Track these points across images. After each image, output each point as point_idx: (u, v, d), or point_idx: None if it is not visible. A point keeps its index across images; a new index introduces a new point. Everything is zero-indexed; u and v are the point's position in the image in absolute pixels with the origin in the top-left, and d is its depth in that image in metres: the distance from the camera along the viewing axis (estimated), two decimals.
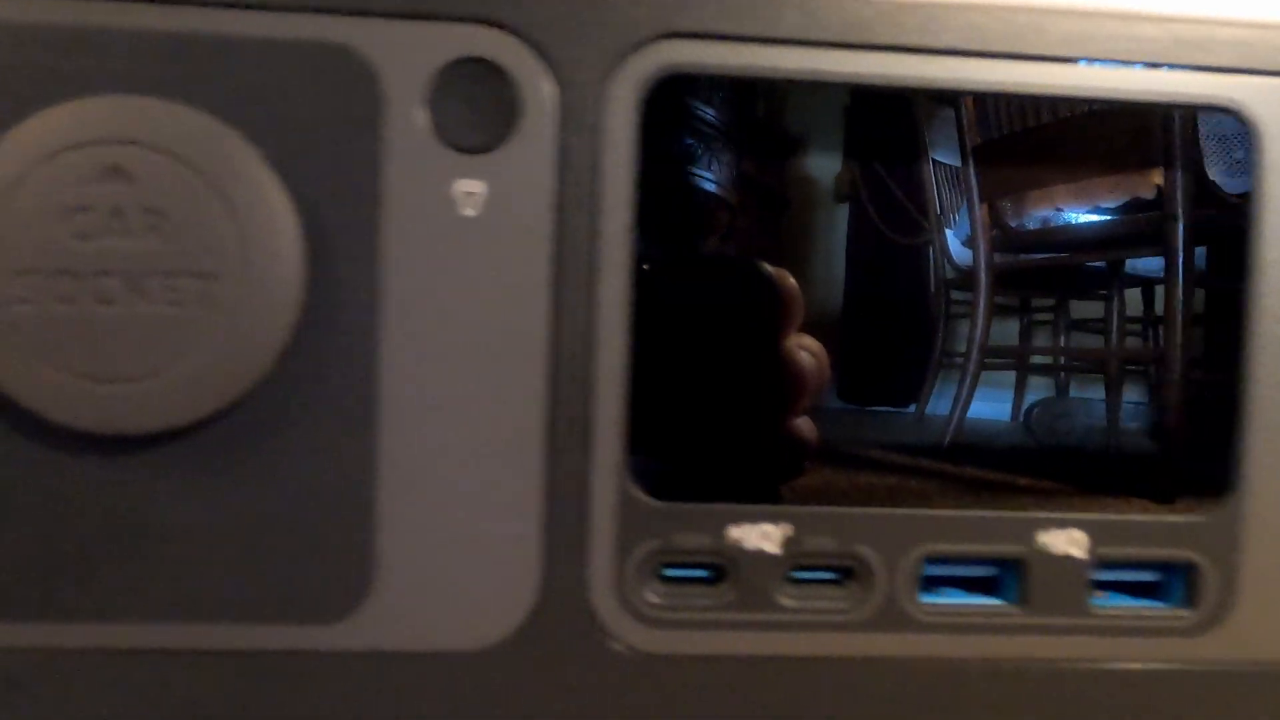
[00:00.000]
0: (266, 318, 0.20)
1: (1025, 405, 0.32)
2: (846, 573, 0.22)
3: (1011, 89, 0.22)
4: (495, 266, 0.21)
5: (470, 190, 0.21)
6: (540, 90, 0.21)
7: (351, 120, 0.21)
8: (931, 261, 0.33)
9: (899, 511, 0.22)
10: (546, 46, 0.21)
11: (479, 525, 0.21)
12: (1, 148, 0.19)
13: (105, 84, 0.20)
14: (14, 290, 0.19)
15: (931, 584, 0.23)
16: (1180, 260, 0.30)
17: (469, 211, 0.21)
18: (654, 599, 0.22)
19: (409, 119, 0.21)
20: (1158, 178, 0.29)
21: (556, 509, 0.21)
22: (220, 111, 0.20)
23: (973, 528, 0.22)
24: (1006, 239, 0.33)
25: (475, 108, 0.21)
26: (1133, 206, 0.31)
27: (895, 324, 0.32)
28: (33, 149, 0.19)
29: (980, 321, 0.32)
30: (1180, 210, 0.29)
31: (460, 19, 0.21)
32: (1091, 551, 0.23)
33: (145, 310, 0.20)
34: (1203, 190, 0.28)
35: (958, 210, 0.32)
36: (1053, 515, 0.23)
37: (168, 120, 0.20)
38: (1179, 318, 0.30)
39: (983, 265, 0.33)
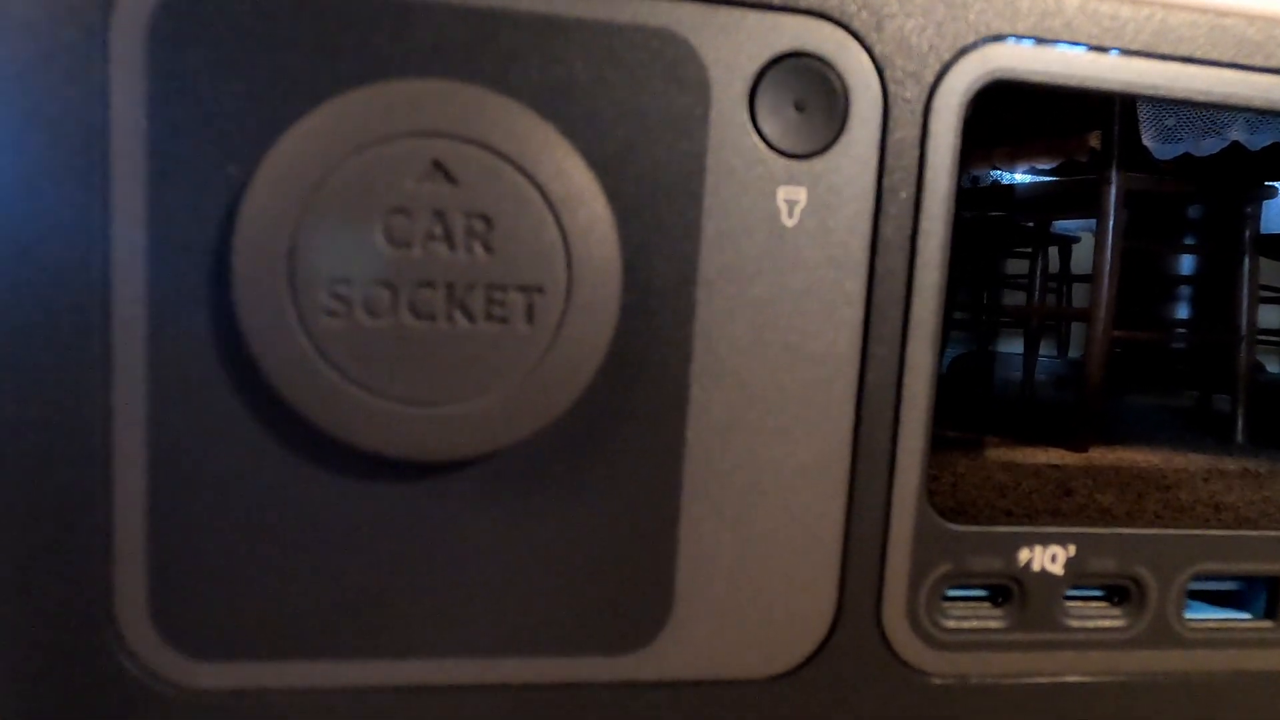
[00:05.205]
0: (588, 334, 0.18)
1: None
2: (1120, 592, 0.22)
3: None
4: (809, 281, 0.20)
5: (792, 198, 0.20)
6: (869, 93, 0.20)
7: (676, 117, 0.19)
8: None
9: (1175, 532, 0.22)
10: (878, 45, 0.19)
11: (779, 550, 0.20)
12: (295, 136, 0.17)
13: (409, 67, 0.18)
14: (321, 301, 0.17)
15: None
16: None
17: (788, 221, 0.20)
18: (947, 622, 0.21)
19: (735, 119, 0.19)
20: None
21: (856, 534, 0.21)
22: (534, 102, 0.18)
23: (1239, 547, 0.23)
24: None
25: (803, 109, 0.19)
26: None
27: None
28: (338, 139, 0.17)
29: None
30: None
31: (791, 10, 0.19)
32: None
33: (467, 327, 0.18)
34: None
35: None
36: None
37: (490, 112, 0.18)
38: None
39: None
